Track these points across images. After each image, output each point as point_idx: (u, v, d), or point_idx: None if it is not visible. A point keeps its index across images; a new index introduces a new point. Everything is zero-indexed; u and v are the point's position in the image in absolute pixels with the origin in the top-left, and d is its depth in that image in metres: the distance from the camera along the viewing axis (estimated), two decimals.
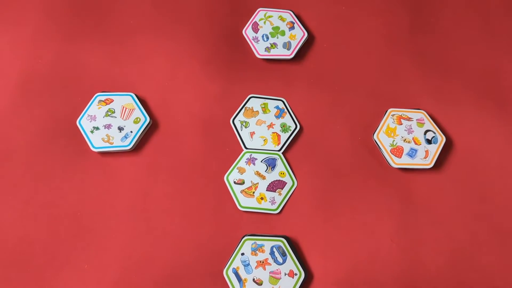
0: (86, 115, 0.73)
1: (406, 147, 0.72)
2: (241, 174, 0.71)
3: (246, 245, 0.65)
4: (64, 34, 0.81)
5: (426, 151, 0.71)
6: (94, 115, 0.73)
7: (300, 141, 0.74)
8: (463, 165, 0.72)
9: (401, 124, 0.74)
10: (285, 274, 0.63)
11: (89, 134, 0.71)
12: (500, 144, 0.74)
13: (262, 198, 0.69)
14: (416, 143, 0.72)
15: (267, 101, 0.76)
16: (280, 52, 0.79)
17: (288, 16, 0.83)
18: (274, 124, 0.74)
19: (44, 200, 0.68)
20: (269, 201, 0.69)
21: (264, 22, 0.82)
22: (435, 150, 0.72)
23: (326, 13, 0.85)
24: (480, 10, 0.86)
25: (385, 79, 0.79)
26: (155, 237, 0.66)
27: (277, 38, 0.80)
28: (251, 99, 0.76)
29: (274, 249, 0.65)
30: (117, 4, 0.85)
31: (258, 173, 0.71)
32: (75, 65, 0.79)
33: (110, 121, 0.73)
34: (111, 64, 0.79)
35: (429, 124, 0.74)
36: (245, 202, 0.68)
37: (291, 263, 0.64)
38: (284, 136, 0.73)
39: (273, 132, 0.74)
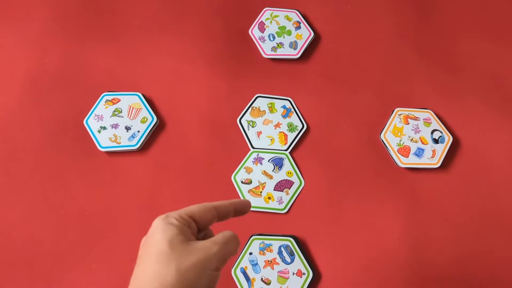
0: (93, 115, 0.73)
1: (413, 147, 0.72)
2: (249, 173, 0.71)
3: (254, 245, 0.65)
4: (71, 34, 0.81)
5: (433, 151, 0.71)
6: (101, 115, 0.73)
7: (307, 140, 0.74)
8: (470, 164, 0.72)
9: (408, 123, 0.74)
10: (293, 274, 0.64)
11: (96, 134, 0.71)
12: (507, 143, 0.74)
13: (269, 198, 0.69)
14: (423, 143, 0.72)
15: (274, 100, 0.76)
16: (287, 52, 0.79)
17: (294, 15, 0.83)
18: (281, 124, 0.74)
19: (52, 200, 0.68)
20: (277, 201, 0.69)
21: (271, 22, 0.82)
22: (442, 149, 0.72)
23: (333, 13, 0.85)
24: (487, 10, 0.86)
25: (392, 78, 0.79)
26: None
27: (284, 37, 0.80)
28: (258, 98, 0.76)
29: (282, 249, 0.65)
30: (123, 4, 0.85)
31: (265, 173, 0.71)
32: (82, 65, 0.79)
33: (117, 121, 0.73)
34: (118, 63, 0.79)
35: (436, 124, 0.74)
36: (252, 202, 0.68)
37: (299, 263, 0.64)
38: (291, 136, 0.73)
39: (280, 132, 0.74)
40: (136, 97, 0.75)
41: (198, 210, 0.34)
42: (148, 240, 0.32)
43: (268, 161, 0.71)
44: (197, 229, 0.35)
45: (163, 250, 0.30)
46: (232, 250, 0.34)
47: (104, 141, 0.71)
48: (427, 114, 0.75)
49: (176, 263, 0.30)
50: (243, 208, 0.39)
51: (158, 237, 0.31)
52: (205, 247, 0.32)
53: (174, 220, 0.32)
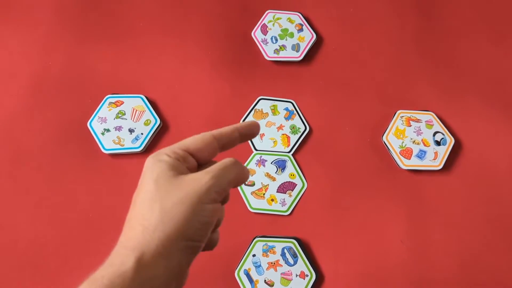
0: (97, 117, 0.73)
1: (415, 149, 0.72)
2: (252, 175, 0.71)
3: (257, 247, 0.65)
4: (75, 36, 0.82)
5: (435, 153, 0.72)
6: (105, 117, 0.73)
7: (309, 142, 0.74)
8: (472, 166, 0.73)
9: (410, 125, 0.74)
10: (296, 276, 0.64)
11: (100, 136, 0.72)
12: (510, 145, 0.74)
13: (272, 200, 0.69)
14: (425, 145, 0.72)
15: (276, 103, 0.77)
16: (289, 54, 0.79)
17: (297, 18, 0.83)
18: (284, 126, 0.75)
19: (56, 203, 0.68)
20: (280, 203, 0.69)
21: (273, 24, 0.82)
22: (444, 151, 0.72)
23: (335, 15, 0.85)
24: (489, 13, 0.86)
25: (394, 81, 0.79)
26: None
27: (286, 40, 0.81)
28: (261, 101, 0.77)
29: (285, 251, 0.65)
30: (127, 7, 0.85)
31: (268, 175, 0.71)
32: (86, 67, 0.79)
33: (120, 123, 0.73)
34: (122, 66, 0.79)
35: (438, 126, 0.74)
36: (255, 204, 0.69)
37: (302, 265, 0.64)
38: (293, 138, 0.74)
39: (283, 134, 0.74)
40: (140, 99, 0.75)
41: (194, 142, 0.31)
42: (139, 181, 0.30)
43: (271, 163, 0.72)
44: (198, 164, 0.31)
45: (148, 190, 0.28)
46: (231, 177, 0.30)
47: (107, 143, 0.71)
48: (429, 116, 0.75)
49: (160, 202, 0.27)
50: (250, 131, 0.34)
51: (146, 176, 0.29)
52: (195, 179, 0.28)
53: (165, 156, 0.29)
